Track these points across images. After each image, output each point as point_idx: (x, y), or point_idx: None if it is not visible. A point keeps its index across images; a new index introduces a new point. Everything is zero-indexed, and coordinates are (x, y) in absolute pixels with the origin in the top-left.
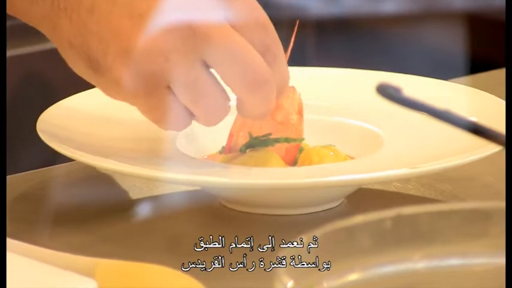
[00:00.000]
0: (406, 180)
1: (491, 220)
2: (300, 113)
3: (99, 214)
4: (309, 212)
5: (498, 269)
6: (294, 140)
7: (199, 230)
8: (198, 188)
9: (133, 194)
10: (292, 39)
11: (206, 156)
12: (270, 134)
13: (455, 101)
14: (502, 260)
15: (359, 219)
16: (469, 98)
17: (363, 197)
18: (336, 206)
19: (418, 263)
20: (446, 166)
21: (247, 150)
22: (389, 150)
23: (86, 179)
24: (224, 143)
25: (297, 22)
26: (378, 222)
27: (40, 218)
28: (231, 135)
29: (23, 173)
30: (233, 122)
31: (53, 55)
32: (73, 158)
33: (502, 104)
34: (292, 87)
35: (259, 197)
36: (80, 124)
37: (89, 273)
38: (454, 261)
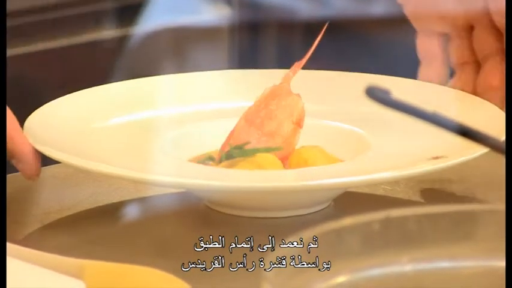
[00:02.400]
0: (395, 182)
1: (480, 223)
2: (298, 123)
3: (87, 215)
4: (295, 214)
5: (486, 272)
6: (274, 149)
7: (185, 232)
8: (183, 190)
9: (121, 196)
10: (315, 44)
11: (191, 158)
12: (247, 143)
13: (443, 103)
14: (490, 263)
15: (347, 221)
16: (457, 100)
17: (351, 200)
18: (323, 209)
19: (406, 265)
20: (433, 168)
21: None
22: (376, 152)
23: (74, 180)
24: (210, 146)
25: (326, 25)
26: (366, 224)
27: (28, 219)
28: (224, 145)
29: (10, 174)
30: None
31: (39, 57)
32: (59, 160)
33: (489, 106)
34: (298, 95)
35: (246, 199)
36: (67, 126)
37: (77, 274)
38: (442, 264)
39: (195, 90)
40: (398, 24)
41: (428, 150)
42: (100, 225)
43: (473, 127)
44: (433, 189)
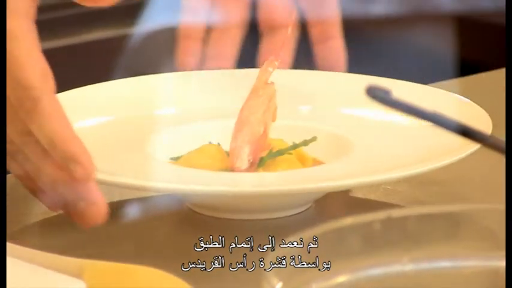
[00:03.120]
0: (396, 182)
1: (480, 222)
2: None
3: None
4: (275, 217)
5: (487, 272)
6: (310, 140)
7: (165, 233)
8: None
9: (122, 195)
10: (287, 37)
11: (170, 159)
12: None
13: (440, 108)
14: (490, 263)
15: (348, 221)
16: (454, 106)
17: (331, 202)
18: (305, 211)
19: (406, 265)
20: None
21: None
22: (360, 154)
23: None
24: (194, 146)
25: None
26: (367, 224)
27: (28, 218)
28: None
29: (10, 174)
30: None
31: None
32: None
33: (485, 115)
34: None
35: (227, 203)
36: None
37: (77, 274)
38: (443, 264)
39: (177, 91)
40: (399, 24)
41: (412, 154)
42: (100, 224)
43: (474, 127)
44: (434, 189)
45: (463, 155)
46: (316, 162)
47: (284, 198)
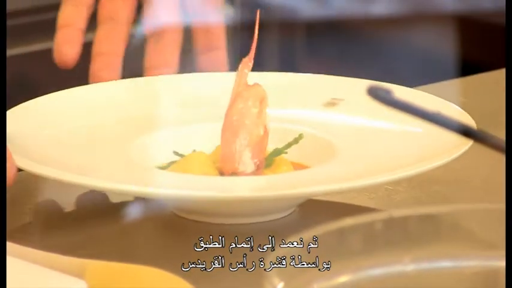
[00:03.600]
0: (396, 182)
1: (482, 222)
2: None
3: (88, 215)
4: (259, 221)
5: (488, 272)
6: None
7: (165, 234)
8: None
9: (122, 195)
10: (255, 35)
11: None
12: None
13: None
14: (492, 263)
15: (349, 221)
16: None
17: (316, 207)
18: (289, 215)
19: (407, 265)
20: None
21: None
22: (344, 158)
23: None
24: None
25: (257, 12)
26: (368, 224)
27: (28, 218)
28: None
29: None
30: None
31: (39, 57)
32: (21, 168)
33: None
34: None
35: (213, 207)
36: (33, 129)
37: (78, 274)
38: (444, 264)
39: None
40: (400, 24)
41: (399, 157)
42: (101, 224)
43: (477, 127)
44: (434, 189)
45: (458, 153)
46: (300, 167)
47: (282, 202)
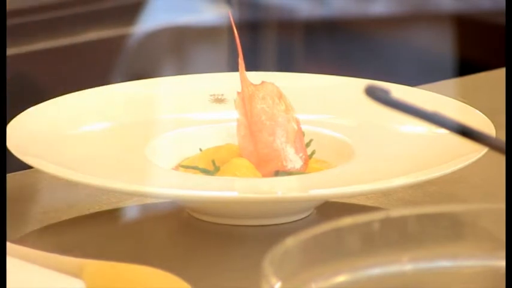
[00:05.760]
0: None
1: (480, 222)
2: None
3: (87, 215)
4: (277, 223)
5: (488, 271)
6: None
7: (168, 238)
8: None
9: (115, 198)
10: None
11: (175, 166)
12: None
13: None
14: (491, 262)
15: (347, 221)
16: (452, 110)
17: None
18: (307, 217)
19: (406, 265)
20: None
21: None
22: (361, 160)
23: (70, 182)
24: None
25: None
26: (366, 224)
27: (27, 218)
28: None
29: (10, 174)
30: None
31: (39, 56)
32: (40, 169)
33: (485, 120)
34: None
35: (228, 208)
36: (49, 133)
37: (77, 273)
38: (443, 263)
39: (180, 95)
40: (400, 24)
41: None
42: (99, 224)
43: (475, 127)
44: (433, 188)
45: (472, 160)
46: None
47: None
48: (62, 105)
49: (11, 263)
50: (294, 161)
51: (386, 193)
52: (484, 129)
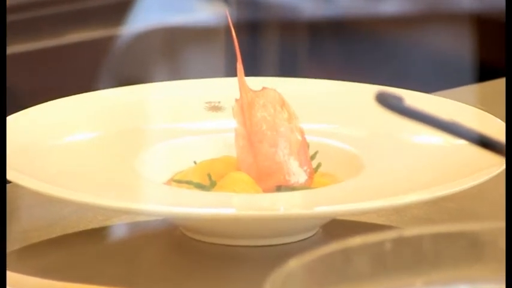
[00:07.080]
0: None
1: (501, 242)
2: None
3: (70, 234)
4: (279, 243)
5: None
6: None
7: (159, 259)
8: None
9: (102, 215)
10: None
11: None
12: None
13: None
14: None
15: (356, 241)
16: (471, 119)
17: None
18: (311, 236)
19: None
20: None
21: None
22: (371, 174)
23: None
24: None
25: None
26: (376, 244)
27: (11, 239)
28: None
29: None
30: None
31: (18, 60)
32: (19, 183)
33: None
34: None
35: (225, 227)
36: (29, 144)
37: None
38: (460, 287)
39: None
40: (413, 24)
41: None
42: (84, 244)
43: (494, 137)
44: (451, 205)
45: (493, 174)
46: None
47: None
48: (43, 113)
49: None
50: (298, 174)
51: (399, 210)
52: (505, 139)
